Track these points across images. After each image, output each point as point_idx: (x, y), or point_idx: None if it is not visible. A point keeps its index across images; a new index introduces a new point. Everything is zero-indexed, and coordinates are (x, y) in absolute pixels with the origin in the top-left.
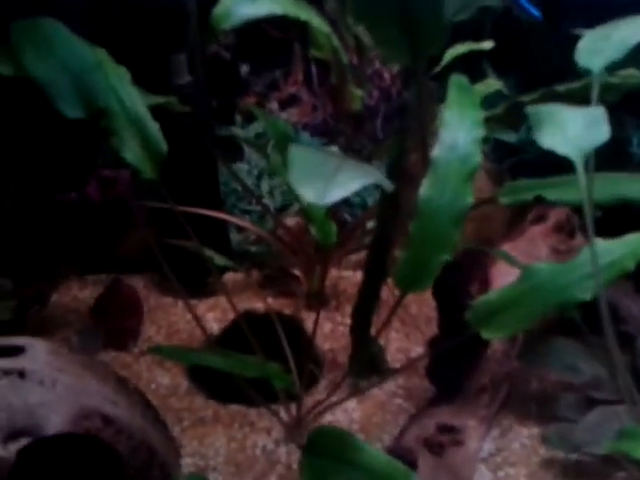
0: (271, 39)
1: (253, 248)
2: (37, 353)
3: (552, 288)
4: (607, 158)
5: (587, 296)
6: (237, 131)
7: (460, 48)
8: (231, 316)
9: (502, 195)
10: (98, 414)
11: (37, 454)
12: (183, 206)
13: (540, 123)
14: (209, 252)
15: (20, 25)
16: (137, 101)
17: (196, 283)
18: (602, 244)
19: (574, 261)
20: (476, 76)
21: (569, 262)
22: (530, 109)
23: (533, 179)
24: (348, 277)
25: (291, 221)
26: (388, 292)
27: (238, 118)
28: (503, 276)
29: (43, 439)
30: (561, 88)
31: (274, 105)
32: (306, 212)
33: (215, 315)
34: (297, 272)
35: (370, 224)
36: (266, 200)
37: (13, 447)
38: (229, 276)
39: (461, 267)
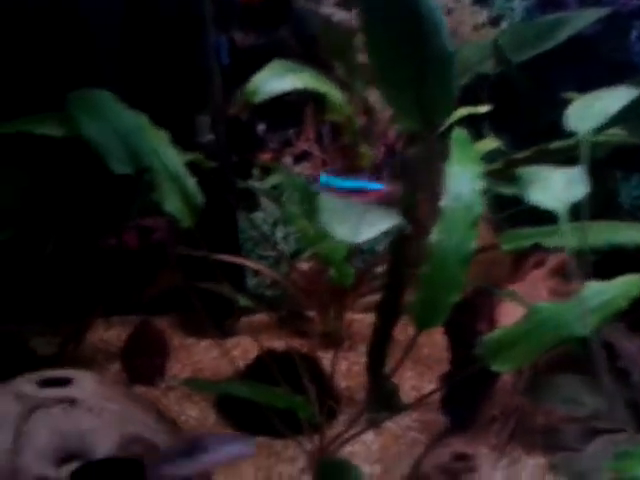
0: (285, 101)
1: (268, 292)
2: (85, 384)
3: (554, 325)
4: (599, 209)
5: (585, 332)
6: (255, 184)
7: (462, 111)
8: (251, 355)
9: (504, 242)
10: (142, 441)
11: (86, 477)
12: (205, 252)
13: (529, 182)
14: (235, 294)
15: (75, 95)
16: (176, 160)
17: (217, 325)
18: (597, 285)
19: (573, 300)
20: (474, 134)
21: (568, 301)
22: (520, 170)
23: (530, 228)
24: (360, 319)
25: (304, 266)
26: (400, 332)
27: (255, 172)
28: (507, 316)
29: (91, 462)
30: (551, 146)
31: (288, 160)
32: (326, 255)
33: (237, 354)
34: (311, 313)
35: (379, 269)
36: (281, 246)
37: (65, 470)
38: (246, 319)
39: (471, 307)
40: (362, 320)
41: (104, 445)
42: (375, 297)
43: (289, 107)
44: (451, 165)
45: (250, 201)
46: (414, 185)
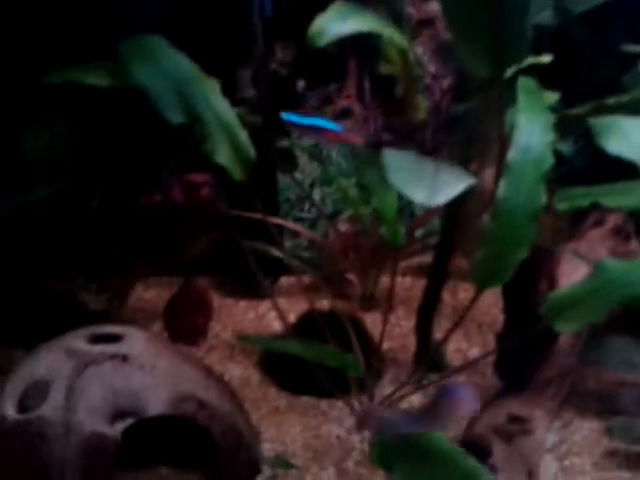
0: (325, 56)
1: (305, 253)
2: (135, 340)
3: (622, 283)
4: None
5: None
6: (294, 142)
7: (527, 60)
8: (291, 316)
9: (557, 201)
10: (193, 398)
11: (138, 434)
12: (244, 211)
13: (604, 132)
14: (287, 256)
15: (128, 42)
16: (228, 111)
17: (254, 286)
18: None
19: None
20: None
21: (636, 260)
22: (593, 120)
23: (587, 187)
24: (398, 282)
25: (342, 227)
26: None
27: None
28: (567, 275)
29: (144, 420)
30: (611, 101)
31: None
32: (378, 213)
33: (275, 315)
34: (349, 276)
35: (418, 232)
36: (319, 207)
37: (119, 427)
38: (283, 280)
39: (531, 266)
40: (401, 283)
41: (156, 402)
42: (414, 260)
43: (330, 62)
44: (519, 115)
45: (288, 161)
46: (470, 138)
